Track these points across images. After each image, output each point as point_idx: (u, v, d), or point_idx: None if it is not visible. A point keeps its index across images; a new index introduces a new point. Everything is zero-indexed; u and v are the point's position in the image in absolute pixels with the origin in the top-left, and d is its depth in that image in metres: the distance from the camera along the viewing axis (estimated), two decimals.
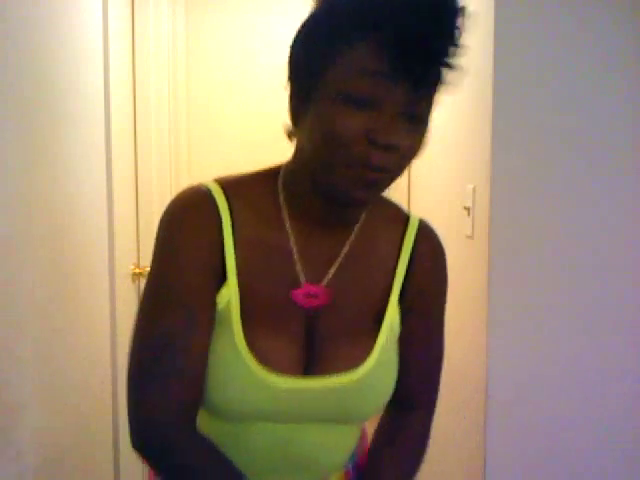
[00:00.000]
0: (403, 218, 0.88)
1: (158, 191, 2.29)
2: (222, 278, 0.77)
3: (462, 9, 0.71)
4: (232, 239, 0.77)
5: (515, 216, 1.34)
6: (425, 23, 0.65)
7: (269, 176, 0.82)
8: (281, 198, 0.80)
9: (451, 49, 0.71)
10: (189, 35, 2.35)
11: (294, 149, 0.81)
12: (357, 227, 0.83)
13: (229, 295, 0.77)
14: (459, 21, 0.72)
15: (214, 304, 0.77)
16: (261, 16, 2.39)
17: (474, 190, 1.46)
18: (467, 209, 1.51)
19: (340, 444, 0.87)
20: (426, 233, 0.89)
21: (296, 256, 0.79)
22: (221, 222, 0.76)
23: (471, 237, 1.49)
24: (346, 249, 0.82)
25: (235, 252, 0.77)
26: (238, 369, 0.76)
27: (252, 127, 2.38)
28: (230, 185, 0.80)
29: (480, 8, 1.42)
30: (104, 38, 1.84)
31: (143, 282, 2.28)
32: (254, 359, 0.76)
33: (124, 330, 2.05)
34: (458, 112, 1.66)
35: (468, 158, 1.55)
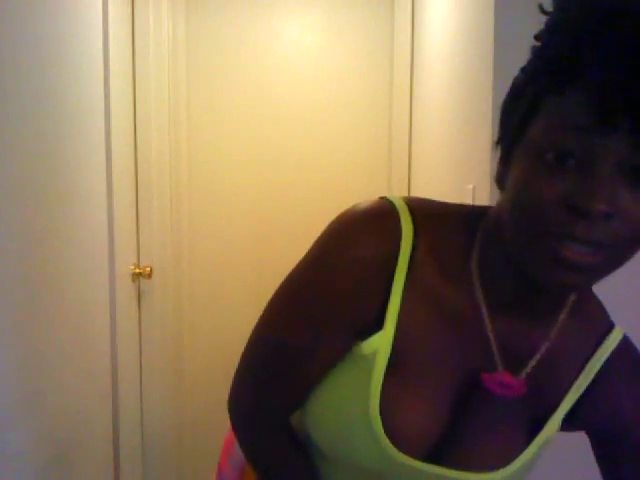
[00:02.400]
0: (605, 324, 0.73)
1: (158, 191, 2.29)
2: (376, 321, 0.65)
3: None
4: (404, 278, 0.64)
5: None
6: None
7: (469, 221, 0.68)
8: (474, 256, 0.66)
9: None
10: (189, 35, 2.35)
11: (498, 206, 0.64)
12: (562, 319, 0.67)
13: (379, 344, 0.64)
14: None
15: (347, 339, 0.66)
16: (261, 16, 2.39)
17: (474, 190, 1.46)
18: None
19: None
20: (627, 349, 0.72)
21: (490, 335, 0.65)
22: (398, 252, 0.63)
23: None
24: (547, 344, 0.67)
25: (403, 296, 0.64)
26: (360, 424, 0.65)
27: (252, 127, 2.38)
28: (421, 213, 0.66)
29: (479, 9, 1.42)
30: (104, 38, 1.84)
31: (143, 282, 2.28)
32: (382, 422, 0.64)
33: (124, 330, 2.05)
34: (458, 112, 1.66)
35: (468, 158, 1.55)
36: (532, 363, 0.67)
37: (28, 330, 1.24)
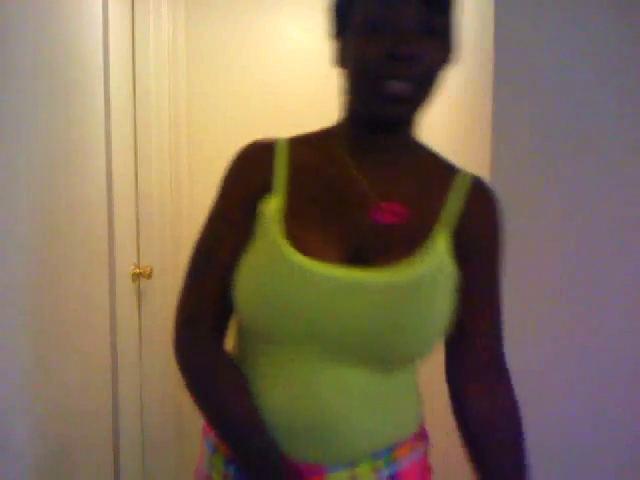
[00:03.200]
0: (454, 168, 0.93)
1: (158, 191, 2.29)
2: (268, 194, 0.85)
3: None
4: (286, 162, 0.86)
5: (515, 216, 1.34)
6: None
7: (327, 128, 0.93)
8: (338, 136, 0.89)
9: None
10: (189, 35, 2.35)
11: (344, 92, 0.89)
12: (411, 164, 0.89)
13: (272, 206, 0.84)
14: None
15: (254, 217, 0.85)
16: (261, 16, 2.39)
17: None
18: None
19: (374, 409, 0.86)
20: (482, 187, 0.92)
21: (363, 185, 0.85)
22: (273, 152, 0.87)
23: None
24: (410, 185, 0.87)
25: (288, 172, 0.86)
26: (275, 260, 0.81)
27: (252, 127, 2.38)
28: (296, 137, 0.91)
29: (479, 9, 1.43)
30: (104, 38, 1.84)
31: (143, 282, 2.28)
32: (292, 247, 0.81)
33: (124, 330, 2.05)
34: (458, 111, 1.66)
35: (468, 158, 1.55)
36: (396, 194, 0.85)
37: (28, 330, 1.24)
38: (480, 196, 0.91)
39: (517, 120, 1.32)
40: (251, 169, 0.87)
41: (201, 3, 2.38)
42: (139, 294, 2.30)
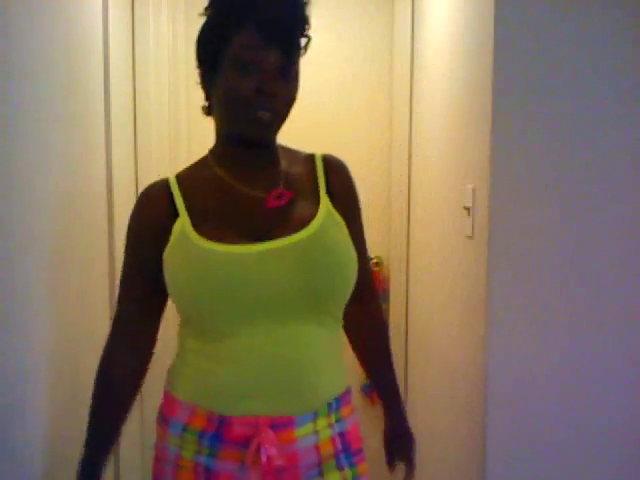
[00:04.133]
0: (310, 154, 1.17)
1: None
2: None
3: (307, 2, 1.03)
4: (180, 193, 1.08)
5: (515, 216, 1.34)
6: (284, 13, 1.00)
7: (203, 157, 1.15)
8: (212, 161, 1.12)
9: (302, 27, 1.03)
10: (189, 35, 2.35)
11: (215, 128, 1.14)
12: (282, 165, 1.12)
13: (182, 222, 1.05)
14: (306, 9, 1.03)
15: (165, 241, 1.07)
16: None
17: (474, 190, 1.46)
18: (467, 209, 1.51)
19: (325, 360, 1.07)
20: (332, 160, 1.17)
21: (238, 186, 1.08)
22: (169, 188, 1.09)
23: (471, 237, 1.49)
24: (282, 175, 1.10)
25: (184, 199, 1.07)
26: (188, 250, 1.02)
27: None
28: (181, 172, 1.15)
29: (479, 9, 1.42)
30: (104, 38, 1.84)
31: None
32: (205, 239, 1.02)
33: None
34: (458, 112, 1.66)
35: (467, 158, 1.55)
36: (280, 185, 1.08)
37: (28, 330, 1.24)
38: (334, 166, 1.16)
39: (517, 120, 1.32)
40: (154, 208, 1.09)
41: (201, 2, 2.39)
42: None
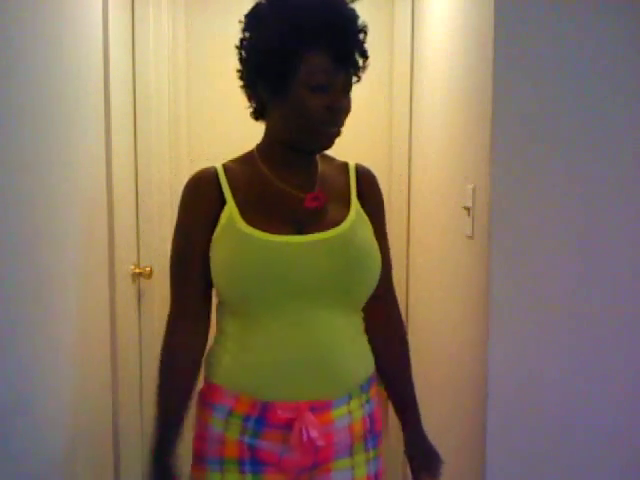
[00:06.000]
0: (344, 162, 1.28)
1: (158, 191, 2.29)
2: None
3: (366, 30, 1.14)
4: (228, 185, 1.16)
5: (515, 216, 1.35)
6: (351, 36, 1.11)
7: (249, 152, 1.24)
8: (258, 158, 1.20)
9: (364, 50, 1.14)
10: (189, 35, 2.35)
11: (266, 130, 1.22)
12: (319, 170, 1.22)
13: (230, 209, 1.13)
14: (365, 37, 1.14)
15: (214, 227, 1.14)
16: None
17: (474, 190, 1.47)
18: (467, 209, 1.51)
19: (355, 345, 1.17)
20: (363, 169, 1.28)
21: (280, 184, 1.17)
22: (217, 177, 1.17)
23: (471, 237, 1.49)
24: (318, 178, 1.20)
25: (231, 190, 1.15)
26: (239, 239, 1.10)
27: (252, 126, 2.37)
28: (226, 163, 1.22)
29: (479, 9, 1.43)
30: (104, 38, 1.84)
31: (143, 282, 2.28)
32: (252, 228, 1.10)
33: (124, 330, 2.05)
34: (458, 112, 1.66)
35: (468, 158, 1.55)
36: (316, 187, 1.18)
37: (28, 330, 1.24)
38: (365, 175, 1.26)
39: (517, 120, 1.32)
40: (205, 194, 1.16)
41: (201, 3, 2.38)
42: (139, 294, 2.30)
